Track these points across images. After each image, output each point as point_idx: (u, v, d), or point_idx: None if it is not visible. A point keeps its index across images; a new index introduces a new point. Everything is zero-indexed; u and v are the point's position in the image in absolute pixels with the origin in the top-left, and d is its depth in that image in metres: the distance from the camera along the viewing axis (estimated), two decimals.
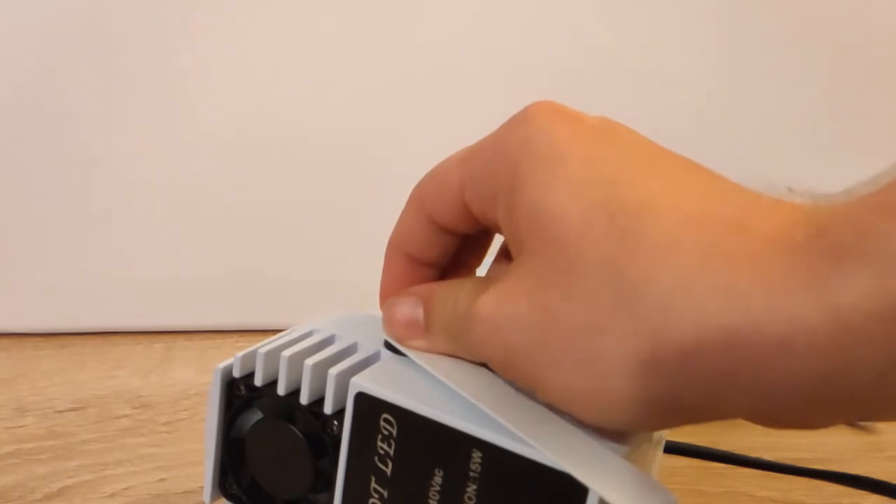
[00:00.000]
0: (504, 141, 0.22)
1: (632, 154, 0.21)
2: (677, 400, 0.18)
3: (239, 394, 0.27)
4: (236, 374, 0.27)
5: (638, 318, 0.18)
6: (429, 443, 0.22)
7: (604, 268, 0.19)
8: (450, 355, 0.24)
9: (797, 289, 0.16)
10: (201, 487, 0.28)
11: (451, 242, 0.26)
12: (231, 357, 0.27)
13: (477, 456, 0.21)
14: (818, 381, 0.16)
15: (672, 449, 0.35)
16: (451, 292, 0.24)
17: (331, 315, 0.29)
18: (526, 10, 0.48)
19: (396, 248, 0.27)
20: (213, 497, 0.28)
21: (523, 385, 0.21)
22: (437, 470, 0.22)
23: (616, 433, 0.22)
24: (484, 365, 0.23)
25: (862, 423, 0.43)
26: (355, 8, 0.47)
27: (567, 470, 0.19)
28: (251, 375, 0.27)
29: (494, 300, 0.21)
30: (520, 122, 0.22)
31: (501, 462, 0.21)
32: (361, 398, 0.23)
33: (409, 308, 0.25)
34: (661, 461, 0.26)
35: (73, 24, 0.45)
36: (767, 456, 0.39)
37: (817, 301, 0.16)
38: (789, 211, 0.18)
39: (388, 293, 0.27)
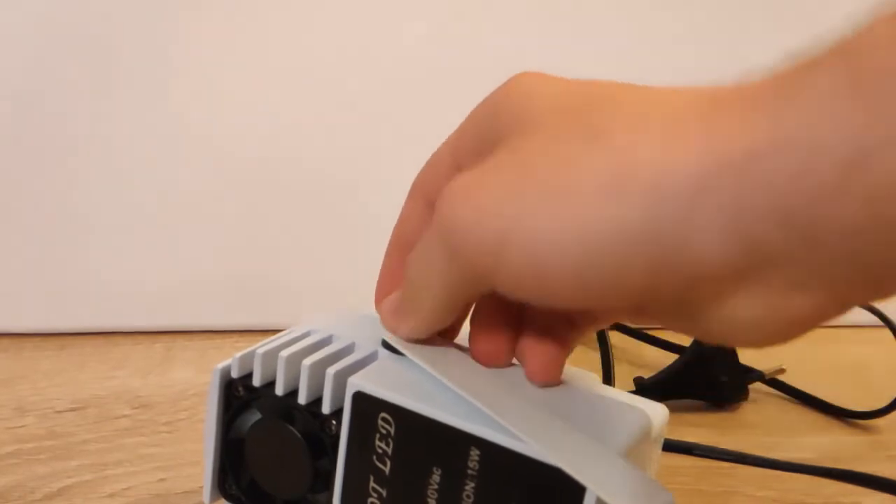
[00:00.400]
0: (487, 101, 0.24)
1: (605, 84, 0.22)
2: (652, 234, 0.18)
3: (237, 394, 0.27)
4: (234, 374, 0.27)
5: (609, 149, 0.18)
6: (427, 441, 0.22)
7: (574, 125, 0.20)
8: (425, 328, 0.24)
9: (773, 99, 0.17)
10: (201, 487, 0.28)
11: None
12: (230, 357, 0.27)
13: (475, 454, 0.21)
14: (788, 186, 0.16)
15: (672, 447, 0.35)
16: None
17: (328, 315, 0.29)
18: (526, 10, 0.48)
19: (396, 246, 0.27)
20: (213, 497, 0.28)
21: (491, 252, 0.20)
22: (435, 468, 0.22)
23: (617, 430, 0.22)
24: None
25: (861, 422, 0.43)
26: (353, 13, 0.47)
27: (565, 468, 0.19)
28: (249, 376, 0.27)
29: (467, 173, 0.21)
30: (501, 85, 0.24)
31: (499, 460, 0.21)
32: (359, 397, 0.23)
33: (394, 297, 0.25)
34: (661, 460, 0.26)
35: (73, 24, 0.45)
36: (768, 455, 0.39)
37: (786, 104, 0.16)
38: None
39: (384, 291, 0.27)
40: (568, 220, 0.18)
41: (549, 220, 0.19)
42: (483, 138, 0.23)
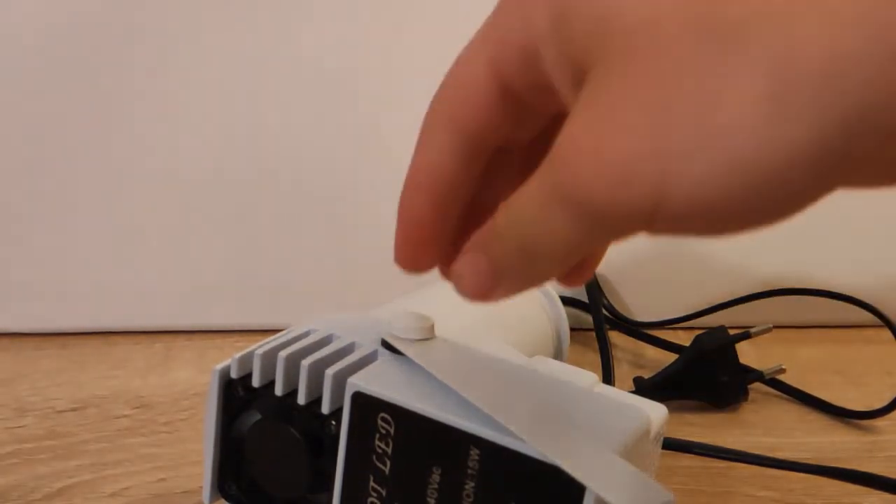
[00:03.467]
0: None
1: None
2: (826, 134, 0.14)
3: (237, 395, 0.27)
4: (234, 375, 0.27)
5: (753, 56, 0.15)
6: (426, 441, 0.22)
7: (697, 26, 0.15)
8: (520, 290, 0.20)
9: None
10: (201, 487, 0.28)
11: (479, 167, 0.22)
12: (230, 357, 0.27)
13: (475, 453, 0.21)
14: None
15: (671, 445, 0.35)
16: (518, 203, 0.19)
17: (329, 315, 0.29)
18: None
19: (413, 190, 0.22)
20: (213, 498, 0.28)
21: (646, 204, 0.16)
22: (434, 468, 0.22)
23: (616, 430, 0.21)
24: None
25: (861, 422, 0.43)
26: (351, 17, 0.47)
27: (564, 468, 0.19)
28: (249, 376, 0.26)
29: (585, 124, 0.17)
30: None
31: (499, 459, 0.21)
32: (358, 397, 0.23)
33: (481, 261, 0.20)
34: (661, 459, 0.26)
35: (73, 26, 0.45)
36: (768, 455, 0.39)
37: None
38: None
39: (406, 248, 0.22)
40: (732, 160, 0.15)
41: (706, 166, 0.15)
42: (539, 41, 0.19)
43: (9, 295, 0.48)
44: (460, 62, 0.21)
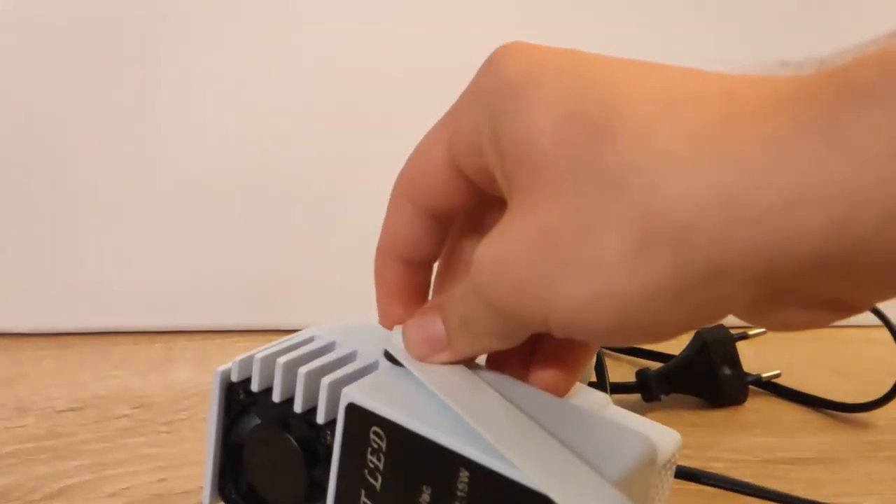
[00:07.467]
0: (476, 87, 0.22)
1: (601, 62, 0.20)
2: (684, 282, 0.17)
3: (238, 398, 0.27)
4: (234, 378, 0.26)
5: (626, 204, 0.17)
6: (417, 459, 0.22)
7: (585, 169, 0.18)
8: (474, 356, 0.24)
9: (806, 136, 0.15)
10: (201, 488, 0.28)
11: (445, 231, 0.25)
12: (230, 357, 0.27)
13: (464, 475, 0.21)
14: (827, 235, 0.15)
15: (685, 475, 0.34)
16: (461, 286, 0.23)
17: (334, 321, 0.29)
18: (527, 9, 0.48)
19: (387, 255, 0.26)
20: (213, 500, 0.28)
21: (537, 316, 0.20)
22: (424, 487, 0.21)
23: (618, 458, 0.21)
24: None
25: (861, 422, 0.43)
26: (348, 17, 0.47)
27: (552, 496, 0.19)
28: (250, 380, 0.26)
29: (492, 241, 0.21)
30: (488, 65, 0.22)
31: (488, 483, 0.20)
32: (352, 409, 0.23)
33: (428, 326, 0.24)
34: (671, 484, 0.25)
35: (74, 27, 0.45)
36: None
37: (830, 146, 0.15)
38: (788, 78, 0.17)
39: (388, 308, 0.26)
40: (601, 290, 0.18)
41: (583, 296, 0.18)
42: (480, 137, 0.22)
43: (9, 295, 0.48)
44: (424, 142, 0.24)
